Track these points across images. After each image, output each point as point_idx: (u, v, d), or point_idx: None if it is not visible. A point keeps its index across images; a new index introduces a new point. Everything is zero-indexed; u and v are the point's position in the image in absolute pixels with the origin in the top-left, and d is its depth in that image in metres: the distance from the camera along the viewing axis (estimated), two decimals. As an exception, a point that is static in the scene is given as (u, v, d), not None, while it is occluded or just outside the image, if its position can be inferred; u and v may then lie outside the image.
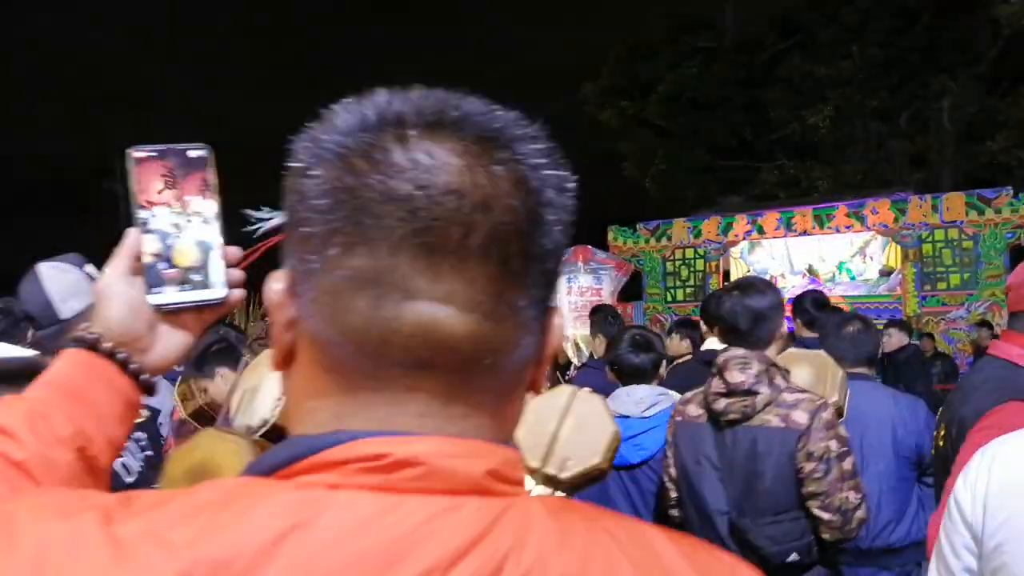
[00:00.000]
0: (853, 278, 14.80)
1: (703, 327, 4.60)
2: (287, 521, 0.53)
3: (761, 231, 14.76)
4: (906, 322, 8.37)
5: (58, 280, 2.22)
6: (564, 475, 2.47)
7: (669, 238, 15.50)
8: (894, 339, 6.86)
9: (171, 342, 0.88)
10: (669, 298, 14.96)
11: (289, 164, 0.61)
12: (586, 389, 2.69)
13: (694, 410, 2.93)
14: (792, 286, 15.10)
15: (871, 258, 14.74)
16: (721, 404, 2.79)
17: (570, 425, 2.57)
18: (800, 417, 2.68)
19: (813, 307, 5.07)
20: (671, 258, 15.54)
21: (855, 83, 17.64)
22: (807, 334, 4.91)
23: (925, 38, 16.99)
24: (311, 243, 0.58)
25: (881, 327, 7.59)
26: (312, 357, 0.60)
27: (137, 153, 0.84)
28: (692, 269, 15.47)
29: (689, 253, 15.48)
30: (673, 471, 2.98)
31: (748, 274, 15.69)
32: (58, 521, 0.55)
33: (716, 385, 2.81)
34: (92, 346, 0.84)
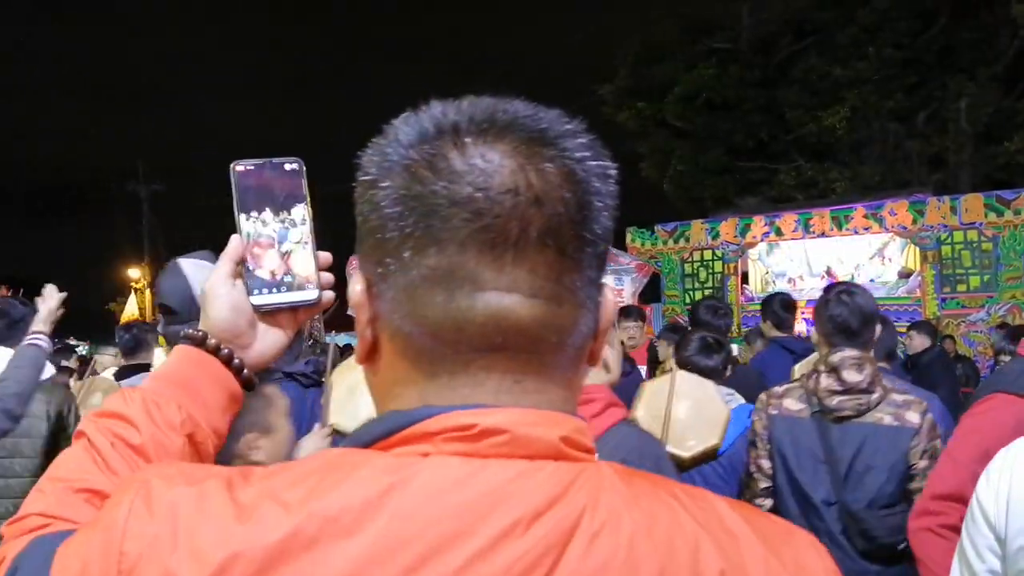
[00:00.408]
0: (872, 280, 14.79)
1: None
2: (388, 480, 0.60)
3: (779, 233, 14.79)
4: (930, 324, 8.41)
5: (200, 275, 2.22)
6: (685, 454, 2.71)
7: (687, 240, 15.55)
8: (916, 341, 6.99)
9: (269, 340, 0.95)
10: (688, 300, 14.99)
11: (359, 177, 0.68)
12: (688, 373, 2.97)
13: (793, 404, 3.03)
14: (811, 288, 15.10)
15: (890, 260, 14.73)
16: (834, 401, 2.92)
17: (685, 407, 2.80)
18: (913, 417, 2.87)
19: (781, 308, 5.26)
20: (689, 260, 15.60)
21: (872, 84, 17.62)
22: (776, 334, 5.14)
23: (942, 38, 16.98)
24: (387, 247, 0.65)
25: (904, 330, 7.72)
26: (395, 349, 0.67)
27: (239, 167, 0.92)
28: (710, 271, 15.50)
29: (707, 255, 15.53)
30: (765, 462, 3.06)
31: (766, 276, 15.75)
32: (186, 486, 0.63)
33: (829, 383, 2.93)
34: (200, 343, 0.92)
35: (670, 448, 2.67)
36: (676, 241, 15.63)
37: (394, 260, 0.65)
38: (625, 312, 5.98)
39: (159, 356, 2.31)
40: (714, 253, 15.45)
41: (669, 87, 20.32)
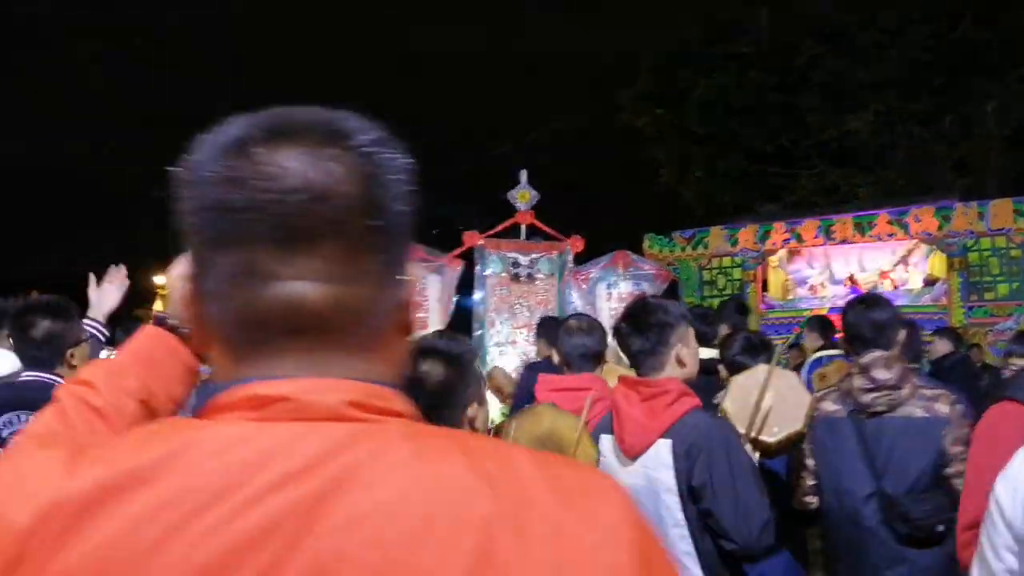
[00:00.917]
0: (896, 288, 14.47)
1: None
2: (187, 439, 0.70)
3: (800, 239, 14.47)
4: (953, 330, 8.21)
5: None
6: (772, 440, 3.04)
7: (706, 246, 15.27)
8: (938, 346, 7.08)
9: None
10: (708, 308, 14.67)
11: (175, 188, 0.78)
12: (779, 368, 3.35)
13: (830, 406, 3.34)
14: (833, 295, 14.81)
15: (914, 267, 14.40)
16: (868, 398, 3.22)
17: (771, 397, 3.09)
18: (943, 408, 3.17)
19: (737, 311, 5.53)
20: (708, 267, 15.32)
21: (895, 87, 17.25)
22: None
23: (968, 40, 16.53)
24: (199, 249, 0.76)
25: (929, 338, 7.55)
26: (215, 336, 0.77)
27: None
28: (729, 278, 15.23)
29: (726, 262, 15.25)
30: (810, 462, 3.34)
31: (786, 283, 15.44)
32: (48, 450, 0.74)
33: (862, 382, 3.24)
34: (161, 323, 1.15)
35: (756, 435, 3.03)
36: (694, 248, 15.35)
37: (204, 260, 0.76)
38: None
39: None
40: (733, 260, 15.17)
41: (688, 92, 20.08)
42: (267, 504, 0.66)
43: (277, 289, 0.72)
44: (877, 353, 3.24)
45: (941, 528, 3.03)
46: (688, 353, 2.78)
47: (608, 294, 8.58)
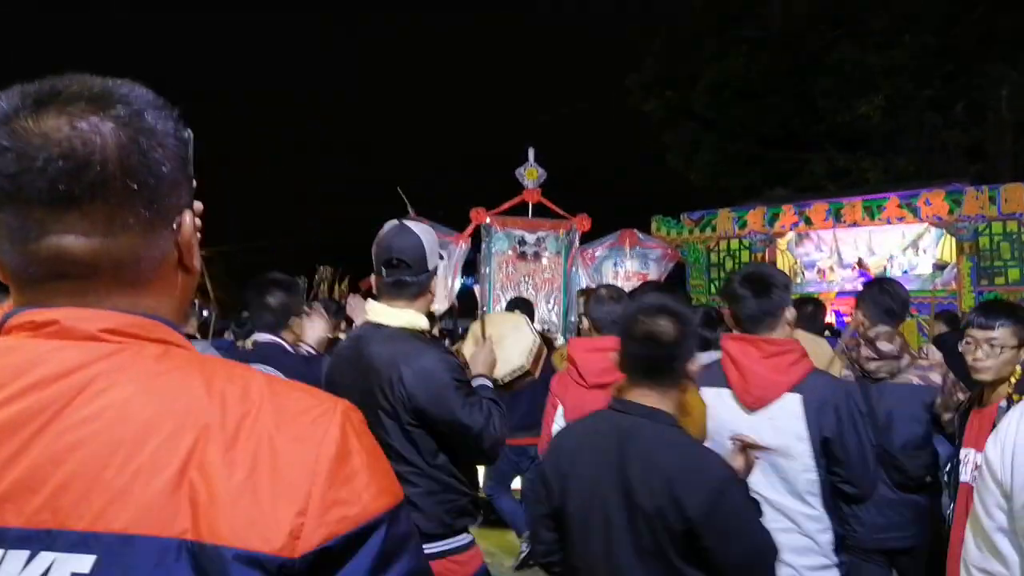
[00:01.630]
0: (905, 271, 14.36)
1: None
2: None
3: (809, 222, 14.36)
4: (952, 313, 8.55)
5: (429, 237, 2.85)
6: (498, 376, 3.16)
7: (713, 229, 15.16)
8: (936, 328, 7.98)
9: None
10: (713, 290, 14.60)
11: None
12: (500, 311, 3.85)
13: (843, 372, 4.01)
14: (842, 279, 14.73)
15: (924, 251, 14.30)
16: (872, 366, 3.87)
17: (493, 338, 3.23)
18: (936, 378, 3.81)
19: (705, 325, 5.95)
20: (715, 249, 15.23)
21: (907, 72, 17.08)
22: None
23: (981, 25, 16.34)
24: None
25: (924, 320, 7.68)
26: (7, 277, 0.93)
27: None
28: (737, 261, 15.13)
29: (734, 244, 15.16)
30: None
31: (795, 266, 15.35)
32: None
33: (868, 352, 3.89)
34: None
35: (494, 376, 3.14)
36: (702, 230, 15.24)
37: None
38: None
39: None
40: (741, 242, 15.08)
41: (697, 76, 19.93)
42: (23, 402, 0.83)
43: (49, 241, 0.87)
44: (882, 328, 3.90)
45: (929, 479, 3.76)
46: (793, 316, 3.16)
47: (615, 272, 8.57)
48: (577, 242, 9.04)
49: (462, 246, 8.51)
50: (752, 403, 3.01)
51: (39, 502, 0.79)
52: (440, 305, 7.34)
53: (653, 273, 8.53)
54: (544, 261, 9.04)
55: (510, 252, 8.90)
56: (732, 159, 20.23)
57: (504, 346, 3.22)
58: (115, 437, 0.81)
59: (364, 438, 0.90)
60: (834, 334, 13.98)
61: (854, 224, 14.01)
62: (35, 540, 0.78)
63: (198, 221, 0.99)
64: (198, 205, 0.99)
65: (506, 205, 8.97)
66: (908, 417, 3.73)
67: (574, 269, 8.95)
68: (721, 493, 2.19)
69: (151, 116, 0.90)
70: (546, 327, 8.44)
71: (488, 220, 8.78)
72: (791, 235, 15.08)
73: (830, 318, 14.20)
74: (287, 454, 0.83)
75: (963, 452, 3.13)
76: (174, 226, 0.94)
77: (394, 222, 2.87)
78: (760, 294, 3.09)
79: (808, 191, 17.22)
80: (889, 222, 13.74)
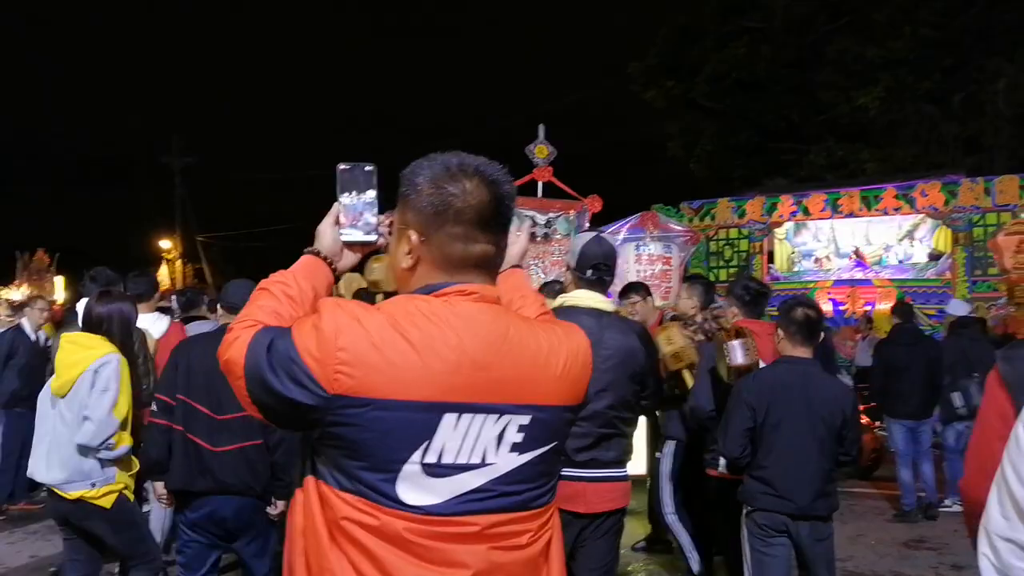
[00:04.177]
0: (901, 261, 14.55)
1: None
2: (437, 304, 1.49)
3: (807, 212, 14.57)
4: (905, 304, 8.75)
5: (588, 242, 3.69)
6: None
7: (713, 218, 15.36)
8: (891, 322, 8.20)
9: (348, 258, 1.75)
10: (712, 279, 14.78)
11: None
12: None
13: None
14: (838, 268, 14.91)
15: (920, 241, 14.49)
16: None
17: None
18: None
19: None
20: (715, 238, 15.43)
21: (907, 64, 17.23)
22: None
23: (981, 19, 16.48)
24: (430, 219, 1.52)
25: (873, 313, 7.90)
26: (437, 265, 1.54)
27: (341, 166, 1.71)
28: (736, 249, 15.33)
29: (733, 233, 15.35)
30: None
31: (792, 255, 15.52)
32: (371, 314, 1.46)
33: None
34: (317, 255, 1.69)
35: None
36: (701, 219, 15.45)
37: (434, 225, 1.51)
38: (626, 289, 6.02)
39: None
40: (740, 231, 15.28)
41: (700, 67, 20.05)
42: (486, 333, 1.48)
43: (478, 247, 1.52)
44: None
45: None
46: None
47: (637, 255, 8.22)
48: (587, 224, 8.78)
49: None
50: None
51: (503, 388, 1.45)
52: None
53: (675, 257, 8.32)
54: (554, 243, 8.79)
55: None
56: (732, 149, 20.39)
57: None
58: (527, 355, 1.49)
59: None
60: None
61: (851, 214, 14.22)
62: (502, 409, 1.45)
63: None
64: None
65: (516, 183, 8.85)
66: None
67: None
68: (854, 402, 4.05)
69: (508, 186, 1.58)
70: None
71: None
72: (789, 224, 15.27)
73: (826, 306, 14.44)
74: (580, 360, 1.60)
75: None
76: (505, 245, 1.62)
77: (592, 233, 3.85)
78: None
79: (807, 181, 17.42)
80: (886, 212, 13.94)
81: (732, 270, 15.14)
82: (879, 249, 14.75)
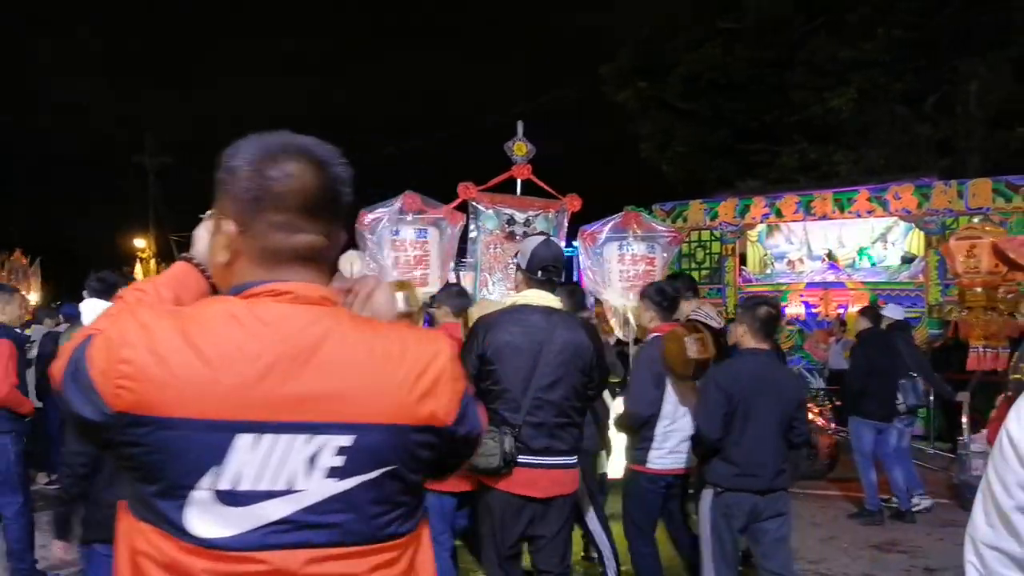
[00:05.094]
0: (874, 264, 14.48)
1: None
2: (240, 307, 1.31)
3: (779, 214, 14.46)
4: (873, 308, 8.88)
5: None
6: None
7: (685, 220, 15.21)
8: (860, 323, 8.42)
9: None
10: (683, 280, 14.62)
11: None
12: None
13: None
14: (811, 271, 14.83)
15: (893, 244, 14.43)
16: None
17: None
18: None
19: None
20: (688, 240, 15.27)
21: (880, 66, 17.16)
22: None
23: (956, 20, 16.41)
24: (240, 216, 1.36)
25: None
26: (250, 259, 1.36)
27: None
28: (708, 251, 15.20)
29: (705, 235, 15.22)
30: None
31: (765, 257, 15.41)
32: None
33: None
34: (189, 261, 1.55)
35: None
36: (674, 221, 15.24)
37: (251, 214, 1.35)
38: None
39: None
40: (712, 234, 15.15)
41: (673, 67, 19.91)
42: (290, 342, 1.28)
43: (298, 237, 1.34)
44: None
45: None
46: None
47: (620, 255, 7.97)
48: (566, 223, 8.65)
49: (458, 225, 8.02)
50: None
51: (313, 405, 1.25)
52: (434, 287, 7.06)
53: (659, 258, 8.07)
54: None
55: (498, 232, 8.40)
56: (705, 150, 20.26)
57: None
58: (352, 364, 1.29)
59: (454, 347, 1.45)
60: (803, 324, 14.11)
61: (824, 216, 14.10)
62: (312, 428, 1.25)
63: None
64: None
65: (495, 180, 8.48)
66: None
67: (575, 248, 8.62)
68: (805, 392, 4.54)
69: (346, 169, 1.39)
70: None
71: (475, 196, 8.26)
72: (762, 227, 15.16)
73: (798, 309, 14.34)
74: (437, 369, 1.36)
75: None
76: (340, 237, 1.43)
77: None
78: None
79: (780, 183, 17.30)
80: (859, 215, 13.84)
81: (704, 272, 15.01)
82: (852, 252, 14.68)
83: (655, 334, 4.88)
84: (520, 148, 8.46)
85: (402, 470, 1.33)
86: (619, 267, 7.81)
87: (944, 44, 16.48)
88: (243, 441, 1.22)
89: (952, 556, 6.29)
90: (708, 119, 20.05)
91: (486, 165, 8.85)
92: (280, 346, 1.26)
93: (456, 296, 5.54)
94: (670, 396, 4.76)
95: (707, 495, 4.43)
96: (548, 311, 3.81)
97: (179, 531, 1.21)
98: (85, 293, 4.88)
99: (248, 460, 1.22)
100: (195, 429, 1.20)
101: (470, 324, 4.28)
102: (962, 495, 8.23)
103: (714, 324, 5.51)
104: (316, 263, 1.37)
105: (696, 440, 4.50)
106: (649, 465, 4.74)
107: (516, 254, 4.15)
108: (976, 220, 11.65)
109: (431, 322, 5.89)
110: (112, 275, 5.52)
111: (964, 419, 8.59)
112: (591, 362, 3.85)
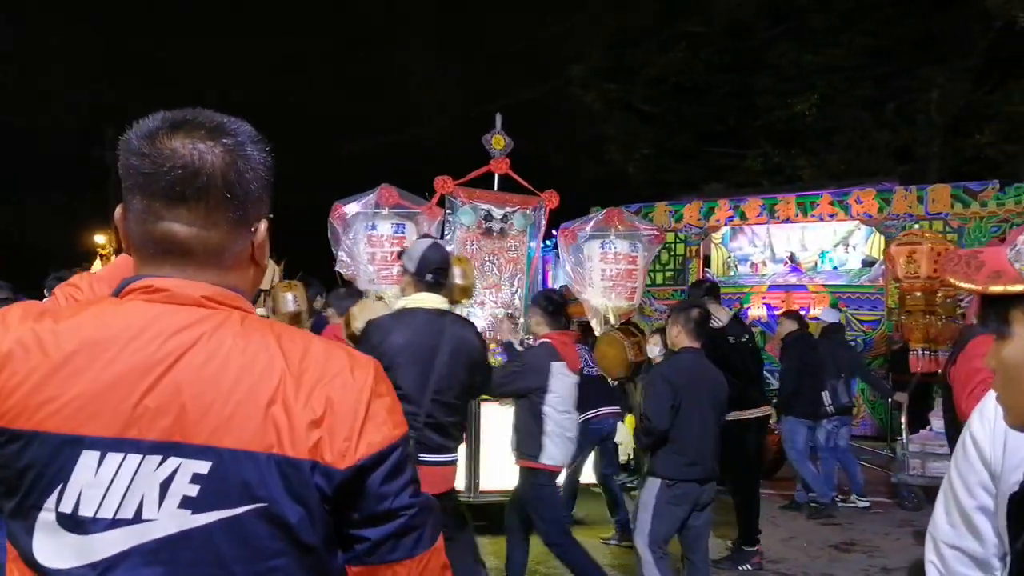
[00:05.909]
0: (836, 267, 14.65)
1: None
2: (110, 307, 1.19)
3: (743, 217, 14.56)
4: (796, 312, 9.22)
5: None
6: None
7: (651, 221, 15.24)
8: (785, 326, 8.57)
9: None
10: (649, 282, 14.69)
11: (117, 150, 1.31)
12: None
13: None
14: (773, 273, 14.97)
15: (854, 248, 14.61)
16: None
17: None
18: None
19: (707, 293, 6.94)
20: (652, 241, 15.34)
21: (843, 72, 17.37)
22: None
23: (918, 29, 16.65)
24: (125, 194, 1.21)
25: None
26: (131, 250, 1.25)
27: None
28: (672, 253, 15.26)
29: (670, 237, 15.26)
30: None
31: (728, 260, 15.53)
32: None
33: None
34: (129, 253, 1.43)
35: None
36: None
37: (127, 201, 1.21)
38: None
39: None
40: (677, 236, 15.21)
41: (639, 70, 19.99)
42: (147, 350, 1.12)
43: (161, 226, 1.18)
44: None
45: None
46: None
47: (603, 253, 7.87)
48: (544, 220, 8.55)
49: (435, 220, 7.84)
50: None
51: (168, 422, 1.10)
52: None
53: (641, 256, 7.98)
54: (510, 239, 8.35)
55: (475, 228, 8.09)
56: (670, 153, 20.37)
57: None
58: (221, 378, 1.12)
59: (386, 384, 1.24)
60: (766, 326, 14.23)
61: (787, 220, 14.22)
62: (166, 449, 1.09)
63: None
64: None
65: (472, 175, 8.28)
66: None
67: (553, 251, 8.48)
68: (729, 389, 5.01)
69: (250, 147, 1.21)
70: (510, 311, 7.86)
71: (453, 191, 8.07)
72: (726, 229, 15.27)
73: (761, 311, 14.47)
74: (339, 396, 1.15)
75: None
76: (252, 229, 1.25)
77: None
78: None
79: (744, 187, 17.46)
80: (821, 219, 13.98)
81: (668, 274, 15.08)
82: (814, 255, 14.84)
83: (544, 339, 5.10)
84: (499, 141, 8.26)
85: (278, 511, 1.10)
86: (601, 265, 7.68)
87: (905, 52, 16.71)
88: (87, 459, 1.08)
89: (910, 555, 6.39)
90: (673, 122, 20.16)
91: (463, 159, 8.72)
92: (139, 352, 1.11)
93: (344, 298, 5.72)
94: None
95: (653, 485, 4.71)
96: (440, 312, 4.00)
97: (26, 556, 1.10)
98: (46, 292, 4.86)
99: (91, 481, 1.08)
100: (42, 443, 1.08)
101: (352, 323, 4.36)
102: (899, 494, 8.40)
103: (717, 324, 6.01)
104: (203, 257, 1.19)
105: (646, 431, 4.74)
106: (545, 462, 4.98)
107: (402, 255, 4.22)
108: (927, 225, 11.84)
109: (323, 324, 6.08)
110: (71, 273, 5.56)
111: (903, 420, 8.76)
112: (478, 361, 4.09)
